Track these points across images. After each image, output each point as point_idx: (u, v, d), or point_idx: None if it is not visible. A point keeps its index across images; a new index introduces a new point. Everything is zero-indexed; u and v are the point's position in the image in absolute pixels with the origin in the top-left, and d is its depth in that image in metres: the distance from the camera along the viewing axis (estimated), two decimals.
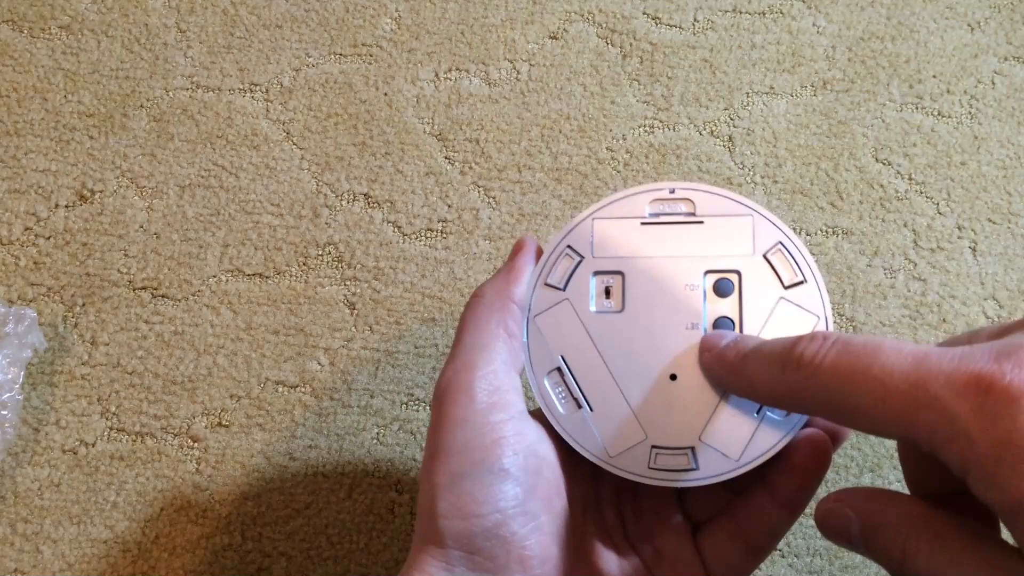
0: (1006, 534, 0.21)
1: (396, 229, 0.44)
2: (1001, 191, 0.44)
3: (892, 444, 0.39)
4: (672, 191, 0.31)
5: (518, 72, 0.47)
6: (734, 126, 0.45)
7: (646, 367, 0.29)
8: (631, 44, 0.47)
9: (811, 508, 0.30)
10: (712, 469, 0.28)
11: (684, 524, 0.30)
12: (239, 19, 0.48)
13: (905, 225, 0.43)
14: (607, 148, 0.45)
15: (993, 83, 0.46)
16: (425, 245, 0.43)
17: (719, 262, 0.30)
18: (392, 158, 0.45)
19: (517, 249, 0.31)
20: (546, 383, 0.29)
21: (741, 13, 0.48)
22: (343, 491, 0.39)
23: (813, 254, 0.42)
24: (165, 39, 0.48)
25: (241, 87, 0.47)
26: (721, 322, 0.29)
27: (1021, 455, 0.19)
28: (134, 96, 0.47)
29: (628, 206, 0.31)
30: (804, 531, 0.38)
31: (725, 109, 0.46)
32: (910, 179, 0.44)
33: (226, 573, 0.38)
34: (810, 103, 0.46)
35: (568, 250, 0.31)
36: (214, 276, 0.43)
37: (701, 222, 0.30)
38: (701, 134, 0.45)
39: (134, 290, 0.43)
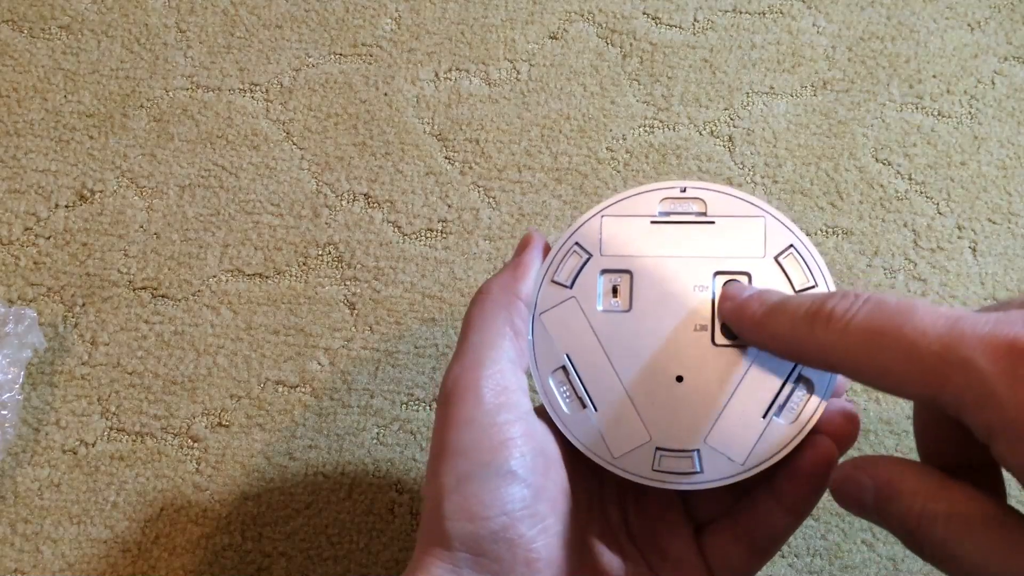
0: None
1: (396, 229, 0.44)
2: (1001, 191, 0.44)
3: (892, 445, 0.39)
4: (683, 190, 0.30)
5: (518, 72, 0.47)
6: (734, 126, 0.45)
7: (652, 368, 0.28)
8: (631, 44, 0.47)
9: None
10: (716, 473, 0.28)
11: (688, 525, 0.30)
12: (239, 19, 0.48)
13: (905, 225, 0.43)
14: (607, 148, 0.45)
15: (993, 83, 0.46)
16: (425, 245, 0.43)
17: (729, 263, 0.29)
18: (392, 158, 0.45)
19: (524, 244, 0.31)
20: (551, 382, 0.29)
21: (741, 13, 0.48)
22: (343, 491, 0.39)
23: None
24: (165, 39, 0.48)
25: (241, 87, 0.47)
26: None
27: None
28: (134, 96, 0.47)
29: (638, 204, 0.30)
30: (804, 531, 0.38)
31: (725, 109, 0.46)
32: (910, 179, 0.44)
33: (226, 573, 0.38)
34: (810, 103, 0.46)
35: (576, 247, 0.30)
36: (214, 276, 0.43)
37: (712, 222, 0.30)
38: (701, 134, 0.45)
39: (134, 290, 0.43)
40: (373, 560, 0.38)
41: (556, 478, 0.28)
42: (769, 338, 0.26)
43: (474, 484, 0.26)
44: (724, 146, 0.45)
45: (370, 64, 0.47)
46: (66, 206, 0.45)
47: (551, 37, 0.48)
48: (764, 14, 0.48)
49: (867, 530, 0.38)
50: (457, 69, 0.47)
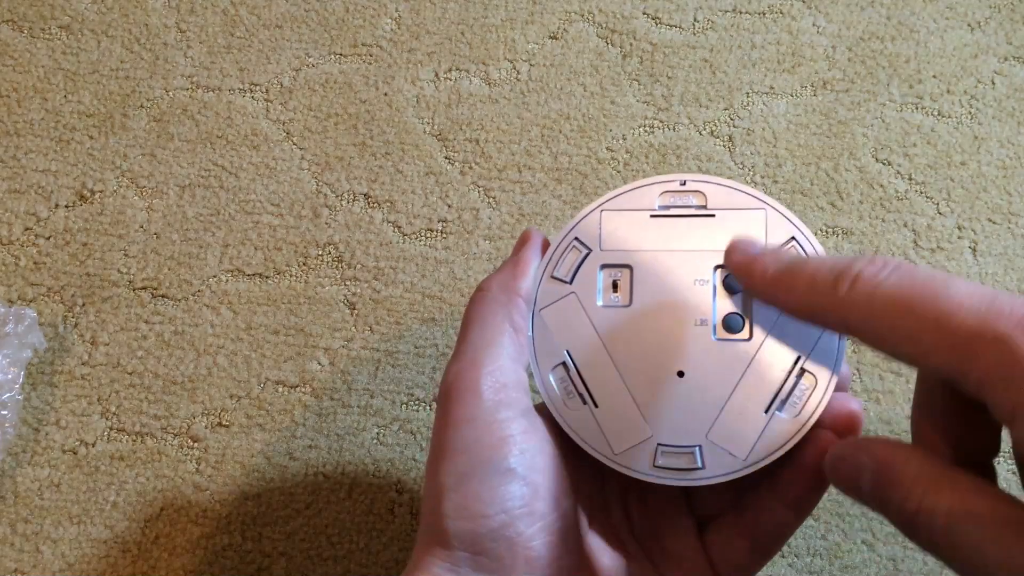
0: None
1: (396, 229, 0.44)
2: (1001, 191, 0.44)
3: None
4: (683, 183, 0.30)
5: (518, 72, 0.47)
6: (734, 126, 0.45)
7: (653, 363, 0.28)
8: (631, 44, 0.47)
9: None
10: (718, 468, 0.27)
11: (691, 523, 0.30)
12: (239, 19, 0.48)
13: (905, 225, 0.43)
14: (607, 148, 0.45)
15: (993, 83, 0.46)
16: (425, 245, 0.43)
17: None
18: (392, 158, 0.45)
19: (522, 241, 0.31)
20: (551, 378, 0.29)
21: (741, 13, 0.48)
22: (343, 491, 0.39)
23: None
24: (165, 39, 0.48)
25: (241, 87, 0.47)
26: (731, 319, 0.28)
27: None
28: (134, 96, 0.47)
29: (638, 198, 0.30)
30: (804, 531, 0.38)
31: (725, 109, 0.46)
32: (910, 179, 0.44)
33: (226, 573, 0.38)
34: (810, 103, 0.46)
35: (575, 242, 0.30)
36: (214, 276, 0.43)
37: (712, 215, 0.29)
38: (701, 134, 0.45)
39: (134, 290, 0.43)
40: (373, 560, 0.38)
41: (556, 476, 0.27)
42: (783, 294, 0.25)
43: (473, 482, 0.25)
44: (724, 146, 0.45)
45: (370, 64, 0.47)
46: (66, 206, 0.45)
47: (551, 37, 0.48)
48: (764, 14, 0.48)
49: (867, 530, 0.38)
50: (457, 69, 0.47)
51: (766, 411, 0.27)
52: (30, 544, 0.39)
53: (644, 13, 0.48)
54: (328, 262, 0.43)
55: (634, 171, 0.45)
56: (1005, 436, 0.22)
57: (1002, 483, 0.31)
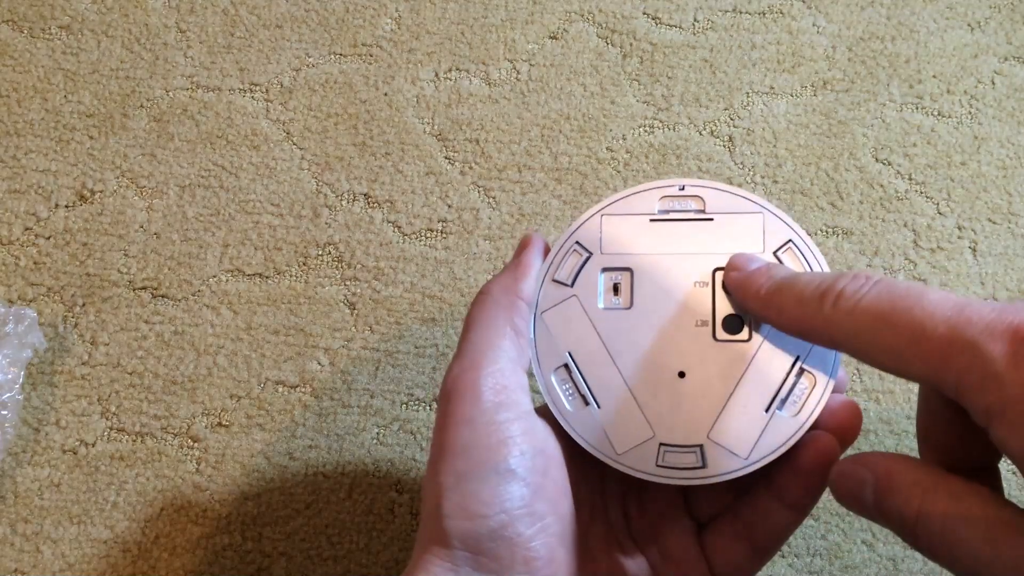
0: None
1: (396, 229, 0.44)
2: (1001, 191, 0.44)
3: (891, 445, 0.39)
4: (682, 188, 0.31)
5: (518, 72, 0.47)
6: (734, 126, 0.45)
7: (654, 364, 0.29)
8: (631, 44, 0.47)
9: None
10: (720, 467, 0.28)
11: (690, 524, 0.30)
12: (239, 19, 0.48)
13: (905, 225, 0.43)
14: (607, 148, 0.45)
15: (993, 83, 0.46)
16: (425, 245, 0.43)
17: (728, 257, 0.29)
18: (392, 158, 0.45)
19: (524, 245, 0.31)
20: (553, 379, 0.29)
21: (741, 13, 0.48)
22: (343, 491, 0.39)
23: None
24: (165, 39, 0.48)
25: (241, 87, 0.47)
26: (730, 320, 0.29)
27: None
28: (134, 96, 0.47)
29: (637, 202, 0.31)
30: (804, 531, 0.38)
31: (725, 109, 0.46)
32: (910, 179, 0.44)
33: (226, 573, 0.38)
34: (810, 103, 0.46)
35: (576, 246, 0.30)
36: (214, 276, 0.43)
37: (711, 219, 0.30)
38: (701, 134, 0.45)
39: (134, 290, 0.43)
40: (373, 560, 0.38)
41: (556, 477, 0.28)
42: (775, 313, 0.26)
43: (473, 483, 0.26)
44: (724, 146, 0.45)
45: (370, 64, 0.47)
46: (66, 206, 0.45)
47: (551, 37, 0.48)
48: (764, 14, 0.48)
49: (867, 530, 0.38)
50: (457, 69, 0.47)
51: (767, 410, 0.28)
52: (30, 544, 0.39)
53: (644, 13, 0.48)
54: (328, 262, 0.43)
55: (634, 171, 0.45)
56: None
57: (1012, 489, 0.31)
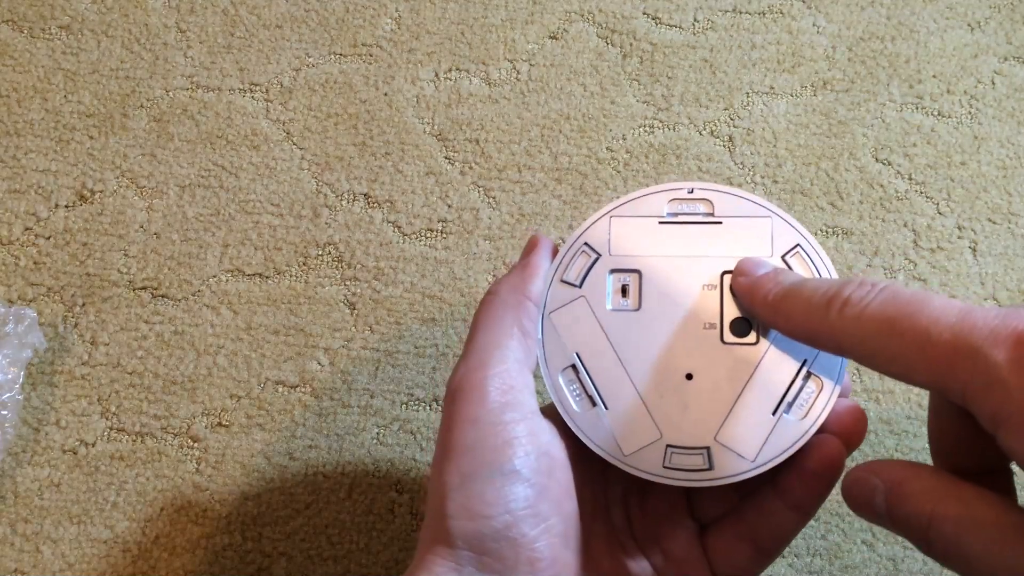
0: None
1: (396, 229, 0.44)
2: (1001, 191, 0.44)
3: (892, 445, 0.39)
4: (691, 191, 0.31)
5: (518, 72, 0.47)
6: (734, 126, 0.45)
7: (662, 366, 0.29)
8: (631, 44, 0.47)
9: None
10: (727, 470, 0.28)
11: (692, 525, 0.30)
12: (239, 19, 0.48)
13: (905, 225, 0.43)
14: (607, 148, 0.45)
15: (993, 83, 0.46)
16: (425, 245, 0.43)
17: (736, 262, 0.30)
18: (392, 158, 0.45)
19: (531, 246, 0.31)
20: (560, 380, 0.29)
21: (741, 13, 0.48)
22: (343, 491, 0.39)
23: None
24: (165, 39, 0.48)
25: (241, 87, 0.47)
26: (738, 323, 0.29)
27: None
28: (134, 96, 0.47)
29: (646, 205, 0.31)
30: (804, 531, 0.38)
31: (725, 109, 0.46)
32: (910, 179, 0.44)
33: (226, 573, 0.38)
34: (810, 103, 0.46)
35: (585, 247, 0.30)
36: (214, 276, 0.43)
37: (720, 223, 0.30)
38: (701, 134, 0.45)
39: (134, 290, 0.43)
40: (373, 560, 0.38)
41: (560, 478, 0.28)
42: (782, 320, 0.27)
43: (478, 483, 0.26)
44: (724, 146, 0.45)
45: (370, 64, 0.47)
46: (66, 206, 0.45)
47: (551, 37, 0.48)
48: (764, 14, 0.48)
49: (867, 530, 0.38)
50: (457, 69, 0.47)
51: (773, 413, 0.28)
52: (30, 544, 0.39)
53: (644, 13, 0.48)
54: (328, 262, 0.43)
55: (634, 171, 0.45)
56: None
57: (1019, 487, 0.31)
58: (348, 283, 0.43)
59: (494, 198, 0.44)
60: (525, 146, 0.45)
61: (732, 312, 0.29)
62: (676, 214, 0.31)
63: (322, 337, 0.42)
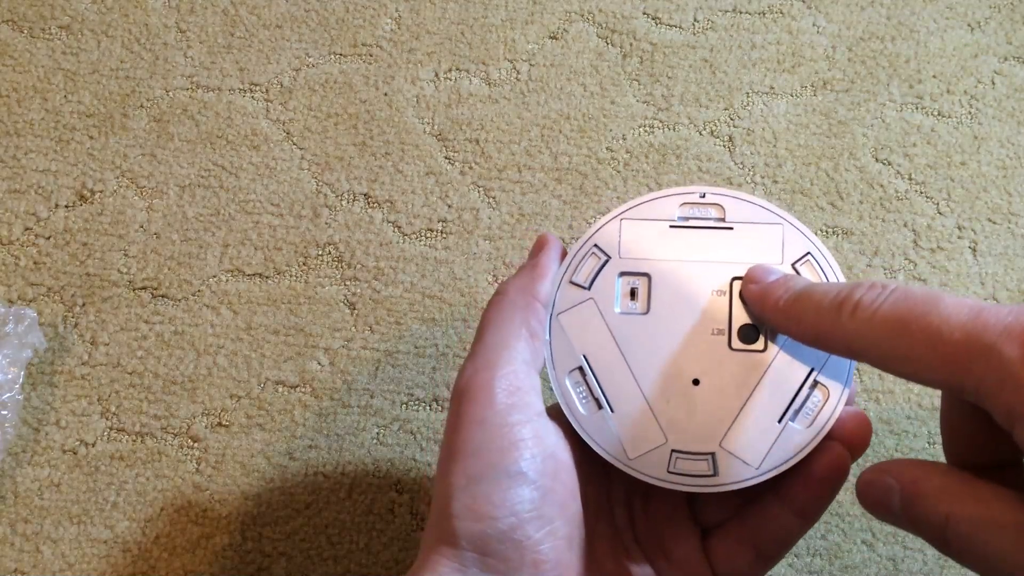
0: None
1: (396, 229, 0.44)
2: (1001, 191, 0.44)
3: (892, 445, 0.39)
4: (703, 195, 0.31)
5: (518, 72, 0.47)
6: (734, 126, 0.45)
7: (669, 370, 0.29)
8: (631, 44, 0.47)
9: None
10: (731, 476, 0.28)
11: (694, 529, 0.30)
12: (239, 19, 0.48)
13: (905, 225, 0.43)
14: (607, 148, 0.45)
15: (993, 83, 0.46)
16: (425, 245, 0.43)
17: (747, 269, 0.30)
18: (392, 158, 0.45)
19: (540, 246, 0.31)
20: (567, 382, 0.29)
21: (741, 13, 0.48)
22: (343, 491, 0.39)
23: None
24: (165, 39, 0.48)
25: (241, 87, 0.47)
26: (746, 329, 0.29)
27: None
28: (134, 96, 0.47)
29: (657, 208, 0.31)
30: None
31: (725, 109, 0.46)
32: (910, 179, 0.44)
33: (226, 573, 0.38)
34: (810, 103, 0.46)
35: (595, 249, 0.30)
36: (214, 276, 0.43)
37: (731, 228, 0.30)
38: (701, 134, 0.45)
39: (134, 290, 0.43)
40: (373, 560, 0.38)
41: (565, 480, 0.28)
42: (794, 324, 0.26)
43: (483, 484, 0.26)
44: (724, 146, 0.45)
45: (370, 64, 0.47)
46: (66, 206, 0.45)
47: (551, 37, 0.48)
48: (764, 14, 0.48)
49: (867, 530, 0.38)
50: (457, 69, 0.47)
51: (780, 420, 0.28)
52: (30, 544, 0.39)
53: (644, 13, 0.48)
54: (328, 262, 0.43)
55: (634, 171, 0.45)
56: None
57: None
58: (348, 283, 0.43)
59: (494, 198, 0.44)
60: (525, 146, 0.45)
61: (741, 318, 0.29)
62: (687, 218, 0.30)
63: (322, 337, 0.42)
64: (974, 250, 0.43)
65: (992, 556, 0.21)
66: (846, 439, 0.28)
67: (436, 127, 0.46)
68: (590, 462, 0.29)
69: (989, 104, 0.45)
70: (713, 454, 0.28)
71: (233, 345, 0.42)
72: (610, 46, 0.47)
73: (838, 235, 0.43)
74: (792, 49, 0.47)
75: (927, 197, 0.44)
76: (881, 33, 0.47)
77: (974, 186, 0.44)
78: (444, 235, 0.44)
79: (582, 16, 0.48)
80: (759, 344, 0.29)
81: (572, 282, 0.30)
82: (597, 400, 0.29)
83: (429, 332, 0.42)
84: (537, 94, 0.46)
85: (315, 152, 0.45)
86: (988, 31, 0.47)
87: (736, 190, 0.31)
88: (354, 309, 0.42)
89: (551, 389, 0.30)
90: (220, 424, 0.41)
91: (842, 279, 0.29)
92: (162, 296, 0.43)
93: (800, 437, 0.28)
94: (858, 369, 0.41)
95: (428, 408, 0.41)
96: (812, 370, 0.28)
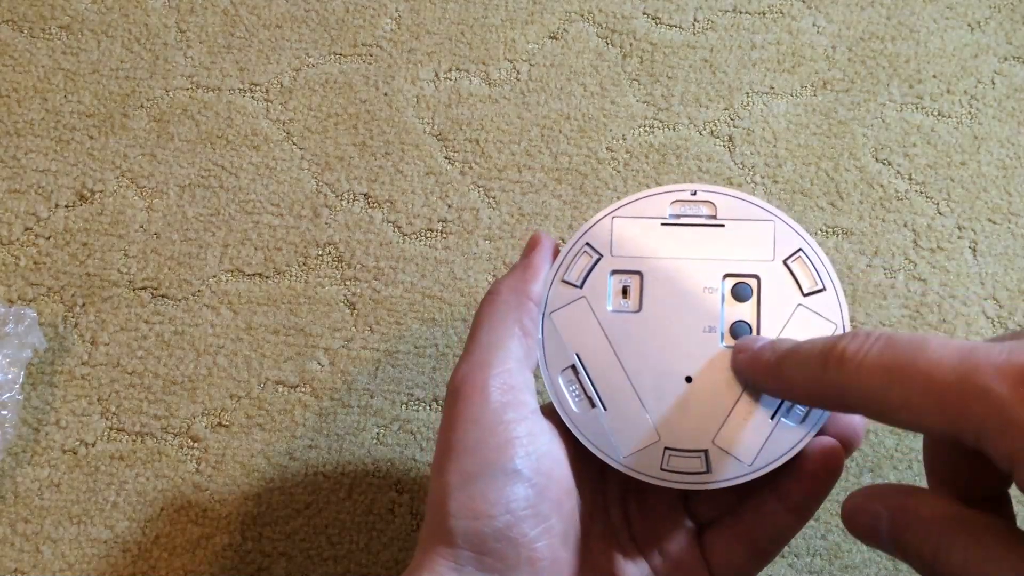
0: None
1: (396, 229, 0.44)
2: (1001, 191, 0.44)
3: (892, 444, 0.39)
4: (694, 193, 0.31)
5: (518, 72, 0.47)
6: (734, 126, 0.45)
7: (661, 368, 0.29)
8: (631, 44, 0.47)
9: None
10: (725, 473, 0.28)
11: (690, 526, 0.30)
12: (239, 19, 0.48)
13: (905, 225, 0.43)
14: (607, 148, 0.45)
15: (993, 83, 0.46)
16: (425, 245, 0.43)
17: (738, 266, 0.29)
18: (392, 158, 0.45)
19: (532, 245, 0.31)
20: (560, 381, 0.29)
21: (741, 13, 0.48)
22: (343, 491, 0.39)
23: None
24: (165, 39, 0.48)
25: (241, 87, 0.47)
26: (738, 326, 0.29)
27: None
28: (134, 96, 0.47)
29: (649, 206, 0.31)
30: (804, 531, 0.38)
31: (725, 109, 0.46)
32: (910, 179, 0.44)
33: (226, 573, 0.38)
34: (810, 103, 0.46)
35: (587, 247, 0.30)
36: (214, 276, 0.43)
37: (722, 225, 0.30)
38: (701, 134, 0.45)
39: (134, 290, 0.43)
40: (373, 560, 0.38)
41: (560, 478, 0.28)
42: (784, 386, 0.26)
43: (479, 483, 0.26)
44: (724, 146, 0.45)
45: (370, 64, 0.47)
46: (66, 206, 0.45)
47: (551, 37, 0.48)
48: (764, 14, 0.48)
49: None
50: (457, 69, 0.47)
51: (772, 417, 0.28)
52: (30, 544, 0.39)
53: (644, 13, 0.48)
54: (328, 262, 0.43)
55: (634, 171, 0.45)
56: None
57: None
58: (348, 283, 0.43)
59: (494, 198, 0.44)
60: (525, 146, 0.45)
61: (732, 315, 0.29)
62: (679, 216, 0.30)
63: (322, 337, 0.42)
64: (974, 250, 0.43)
65: None
66: (839, 433, 0.28)
67: (436, 127, 0.46)
68: (584, 460, 0.29)
69: (989, 104, 0.45)
70: (706, 451, 0.28)
71: (233, 345, 0.42)
72: (610, 46, 0.47)
73: (838, 235, 0.43)
74: (792, 49, 0.47)
75: (927, 197, 0.44)
76: (881, 33, 0.47)
77: (974, 186, 0.44)
78: (444, 235, 0.44)
79: (582, 16, 0.48)
80: None
81: (564, 280, 0.30)
82: (590, 398, 0.29)
83: (429, 332, 0.42)
84: (537, 94, 0.46)
85: (315, 152, 0.45)
86: (988, 31, 0.47)
87: (727, 187, 0.31)
88: (354, 309, 0.42)
89: (545, 388, 0.30)
90: (220, 424, 0.41)
91: (834, 276, 0.29)
92: (162, 296, 0.43)
93: (793, 434, 0.28)
94: None
95: (428, 408, 0.41)
96: None
